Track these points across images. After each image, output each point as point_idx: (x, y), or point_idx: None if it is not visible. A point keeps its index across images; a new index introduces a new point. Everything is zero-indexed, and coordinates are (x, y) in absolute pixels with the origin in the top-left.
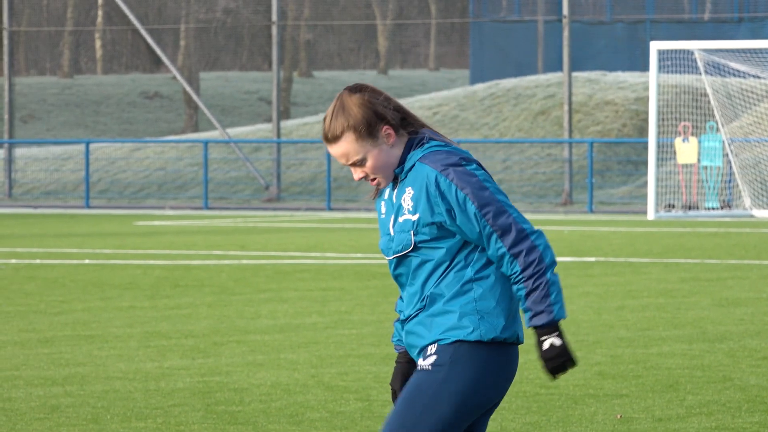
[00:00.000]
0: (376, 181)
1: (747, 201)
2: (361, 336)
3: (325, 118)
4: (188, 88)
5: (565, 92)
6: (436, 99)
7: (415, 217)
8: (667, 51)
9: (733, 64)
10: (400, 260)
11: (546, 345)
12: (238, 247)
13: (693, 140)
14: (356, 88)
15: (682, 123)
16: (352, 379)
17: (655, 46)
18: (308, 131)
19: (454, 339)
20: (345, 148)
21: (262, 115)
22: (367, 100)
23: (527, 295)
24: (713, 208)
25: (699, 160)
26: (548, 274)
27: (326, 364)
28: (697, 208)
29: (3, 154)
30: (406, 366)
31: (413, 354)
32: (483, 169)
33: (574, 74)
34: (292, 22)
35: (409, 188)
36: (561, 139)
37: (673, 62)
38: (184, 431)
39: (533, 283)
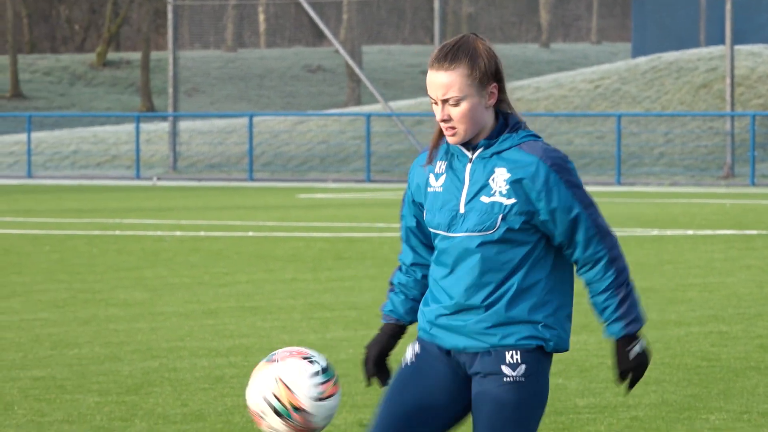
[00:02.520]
0: (453, 131)
1: None
2: None
3: (445, 43)
4: (351, 62)
5: (727, 65)
6: (598, 72)
7: (509, 202)
8: None
9: None
10: (462, 242)
11: (636, 351)
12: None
13: None
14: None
15: None
16: None
17: None
18: None
19: (536, 345)
20: (452, 79)
21: (424, 88)
22: (494, 54)
23: (621, 301)
24: None
25: None
26: (632, 282)
27: None
28: None
29: (168, 128)
30: (387, 339)
31: (449, 344)
32: None
33: (737, 47)
34: None
35: (503, 170)
36: (723, 112)
37: None
38: (348, 402)
39: (626, 289)
